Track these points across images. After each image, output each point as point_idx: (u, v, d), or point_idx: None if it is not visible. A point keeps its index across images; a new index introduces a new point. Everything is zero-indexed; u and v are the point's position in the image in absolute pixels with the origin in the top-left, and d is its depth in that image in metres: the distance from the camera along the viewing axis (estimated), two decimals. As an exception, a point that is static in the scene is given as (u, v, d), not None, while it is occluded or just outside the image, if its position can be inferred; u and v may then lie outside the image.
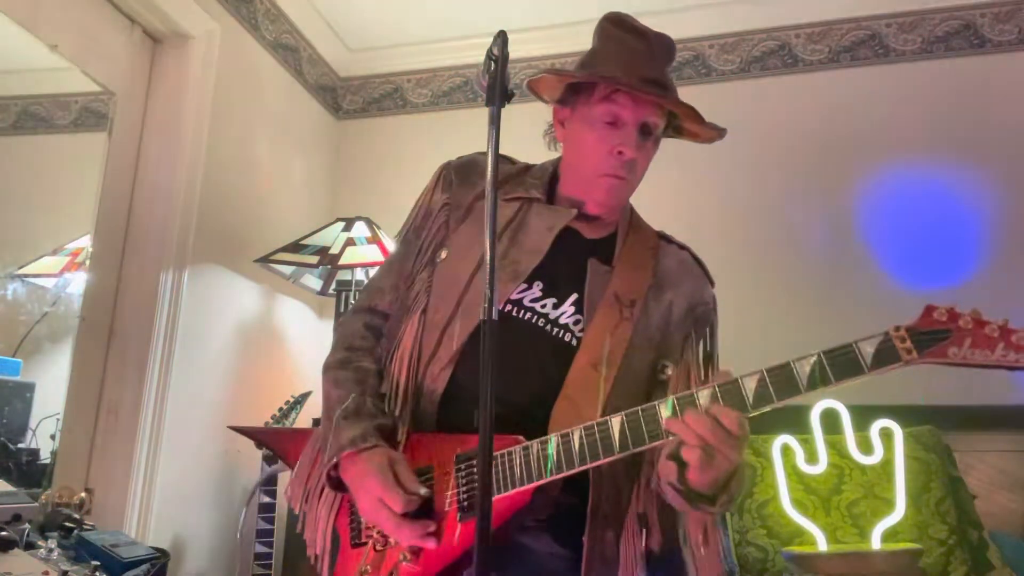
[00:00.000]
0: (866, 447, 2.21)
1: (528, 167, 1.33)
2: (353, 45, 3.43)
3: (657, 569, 1.11)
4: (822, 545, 2.12)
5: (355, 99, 3.52)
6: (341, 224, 2.75)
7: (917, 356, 0.89)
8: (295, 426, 2.58)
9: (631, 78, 1.16)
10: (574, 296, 1.19)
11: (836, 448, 2.25)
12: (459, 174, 1.31)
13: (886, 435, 2.23)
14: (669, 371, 1.17)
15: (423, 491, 1.08)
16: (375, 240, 2.68)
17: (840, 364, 0.92)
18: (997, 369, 0.88)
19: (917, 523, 2.18)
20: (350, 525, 1.17)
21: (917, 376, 2.47)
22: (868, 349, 0.91)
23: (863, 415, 2.23)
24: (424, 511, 1.08)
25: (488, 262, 0.91)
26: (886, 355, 0.90)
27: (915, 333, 0.90)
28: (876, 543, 2.12)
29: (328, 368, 1.24)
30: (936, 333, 0.89)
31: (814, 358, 0.93)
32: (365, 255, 2.62)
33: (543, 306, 1.18)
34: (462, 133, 3.20)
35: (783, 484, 2.22)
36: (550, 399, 1.11)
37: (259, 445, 2.39)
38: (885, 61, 2.95)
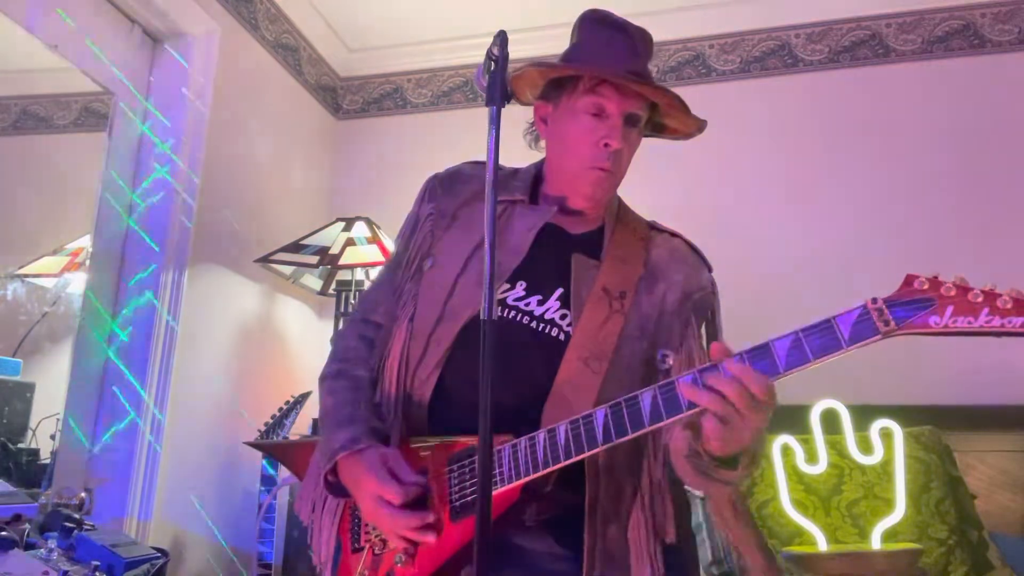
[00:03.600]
0: (866, 447, 2.21)
1: (515, 171, 1.32)
2: (353, 45, 3.43)
3: (670, 562, 1.10)
4: (822, 545, 2.12)
5: (355, 99, 3.52)
6: (341, 224, 2.75)
7: (896, 327, 0.86)
8: (293, 426, 2.58)
9: (616, 70, 1.16)
10: (559, 291, 1.18)
11: (836, 448, 2.25)
12: (444, 184, 1.32)
13: (886, 435, 2.23)
14: (671, 360, 1.16)
15: (420, 479, 1.08)
16: (375, 240, 2.68)
17: (817, 340, 0.90)
18: (982, 336, 0.83)
19: (917, 523, 2.18)
20: (350, 530, 1.18)
21: (917, 376, 2.49)
22: (845, 324, 0.88)
23: (863, 415, 2.23)
24: (422, 509, 1.08)
25: (487, 263, 0.91)
26: (863, 329, 0.88)
27: (893, 304, 0.87)
28: (876, 543, 2.12)
29: (323, 379, 1.26)
30: (916, 303, 0.86)
31: (791, 336, 0.91)
32: (365, 255, 2.62)
33: (527, 304, 1.18)
34: (462, 133, 3.21)
35: (783, 484, 2.22)
36: (541, 397, 1.11)
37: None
38: (885, 61, 2.95)
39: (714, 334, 1.23)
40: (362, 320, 1.30)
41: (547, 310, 1.17)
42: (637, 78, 1.16)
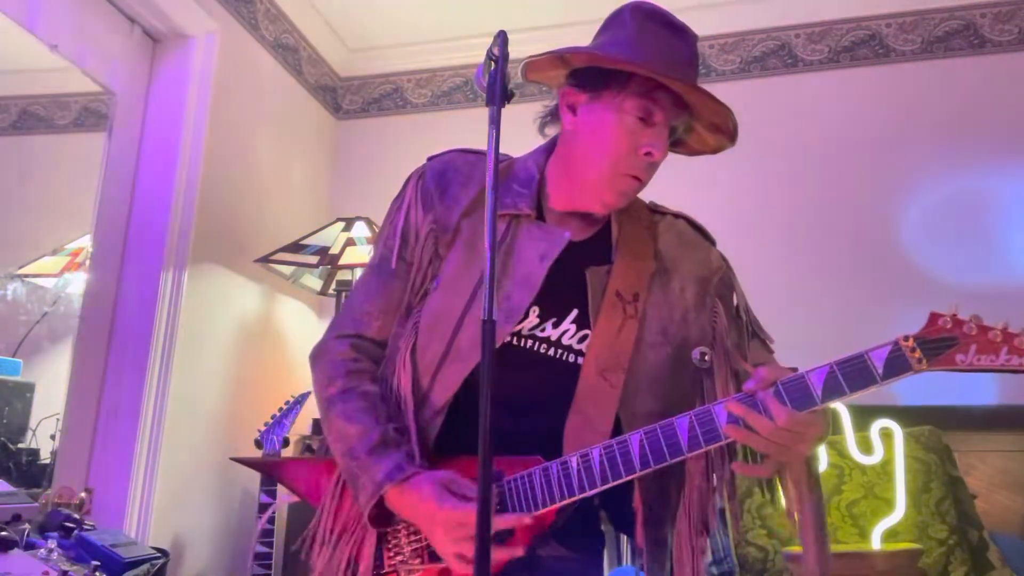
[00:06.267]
0: (866, 447, 2.21)
1: (511, 166, 1.22)
2: (353, 45, 3.43)
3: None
4: (822, 545, 2.12)
5: (355, 99, 3.52)
6: (341, 224, 2.75)
7: (927, 365, 0.90)
8: (293, 426, 2.58)
9: (685, 80, 1.09)
10: (574, 313, 1.12)
11: (836, 448, 2.26)
12: (438, 186, 1.19)
13: (886, 435, 2.23)
14: (707, 356, 1.12)
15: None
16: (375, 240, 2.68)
17: (853, 375, 0.92)
18: (1002, 372, 0.89)
19: (917, 523, 2.18)
20: (372, 555, 1.11)
21: (917, 376, 2.48)
22: (879, 359, 0.92)
23: (863, 415, 2.23)
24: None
25: (487, 264, 0.91)
26: (898, 364, 0.91)
27: (923, 341, 0.91)
28: (876, 543, 2.12)
29: (331, 401, 1.14)
30: (943, 340, 0.90)
31: (827, 370, 0.94)
32: (365, 255, 2.62)
33: (542, 330, 1.12)
34: (462, 133, 3.21)
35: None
36: (560, 418, 1.07)
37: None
38: (885, 61, 2.95)
39: (736, 313, 1.20)
40: (355, 333, 1.19)
41: (564, 333, 1.12)
42: (705, 93, 1.08)
